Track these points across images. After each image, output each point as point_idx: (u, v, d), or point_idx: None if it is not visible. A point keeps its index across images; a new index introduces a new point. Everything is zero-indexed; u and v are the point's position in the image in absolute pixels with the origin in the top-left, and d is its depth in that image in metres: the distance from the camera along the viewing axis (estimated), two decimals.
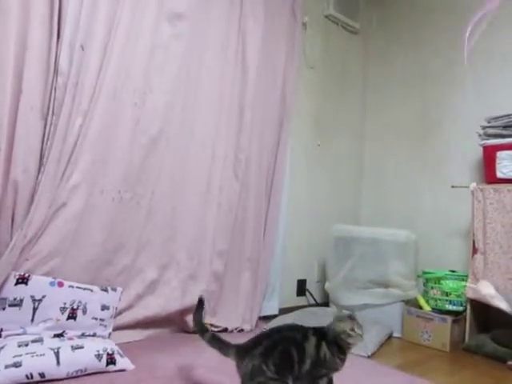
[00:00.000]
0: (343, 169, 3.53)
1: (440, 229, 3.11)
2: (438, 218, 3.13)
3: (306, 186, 3.25)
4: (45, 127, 1.95)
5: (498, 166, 2.56)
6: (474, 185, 2.62)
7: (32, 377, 1.59)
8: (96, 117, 2.06)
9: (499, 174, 2.55)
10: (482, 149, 2.67)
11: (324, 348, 1.46)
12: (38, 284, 1.87)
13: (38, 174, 1.93)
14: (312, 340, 1.46)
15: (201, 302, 1.63)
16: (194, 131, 2.47)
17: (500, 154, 2.56)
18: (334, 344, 1.48)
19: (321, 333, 1.50)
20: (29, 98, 1.90)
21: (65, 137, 1.97)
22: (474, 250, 2.55)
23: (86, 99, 2.04)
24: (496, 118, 2.62)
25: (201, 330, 1.56)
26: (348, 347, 1.48)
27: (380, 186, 3.55)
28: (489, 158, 2.61)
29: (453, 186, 2.82)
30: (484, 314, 2.59)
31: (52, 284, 1.90)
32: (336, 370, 1.48)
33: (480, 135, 2.68)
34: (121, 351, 1.86)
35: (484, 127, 2.66)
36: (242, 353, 1.45)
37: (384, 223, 3.33)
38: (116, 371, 1.77)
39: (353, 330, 1.45)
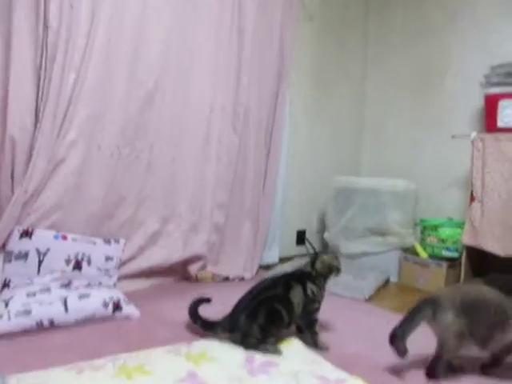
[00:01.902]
0: (344, 120, 3.49)
1: (440, 178, 3.12)
2: (438, 167, 3.14)
3: (306, 138, 3.24)
4: (38, 83, 1.93)
5: (499, 115, 2.53)
6: (474, 134, 2.60)
7: (42, 324, 1.67)
8: (90, 71, 2.04)
9: (500, 123, 2.53)
10: (484, 98, 2.63)
11: (310, 286, 1.64)
12: (42, 237, 1.92)
13: (35, 130, 1.93)
14: (297, 286, 1.62)
15: (202, 300, 1.70)
16: (190, 84, 2.43)
17: (502, 103, 2.52)
18: (323, 278, 1.69)
19: (302, 274, 1.68)
20: (20, 55, 1.87)
21: (59, 92, 1.96)
22: (472, 198, 2.57)
23: (78, 54, 2.00)
24: (500, 66, 2.56)
25: (194, 319, 1.67)
26: (330, 279, 1.72)
27: (381, 136, 3.53)
28: (490, 106, 2.57)
29: (453, 136, 2.80)
30: (479, 259, 2.65)
31: (56, 237, 1.95)
32: (322, 299, 1.69)
33: (482, 84, 2.63)
34: (126, 299, 1.93)
35: (487, 75, 2.61)
36: (228, 326, 1.59)
37: (384, 174, 3.34)
38: (122, 318, 1.85)
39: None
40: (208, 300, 1.69)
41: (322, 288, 1.68)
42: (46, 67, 1.92)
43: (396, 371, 1.49)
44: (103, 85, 2.09)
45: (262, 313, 1.54)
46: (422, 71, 3.25)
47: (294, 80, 2.95)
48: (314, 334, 1.66)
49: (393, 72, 3.44)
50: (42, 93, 1.92)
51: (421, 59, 3.26)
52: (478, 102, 2.80)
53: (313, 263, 1.69)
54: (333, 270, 1.70)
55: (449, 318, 1.42)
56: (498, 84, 2.55)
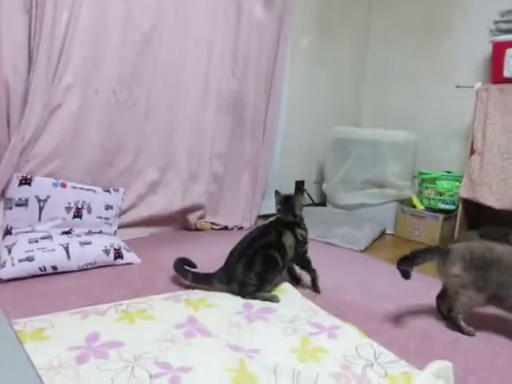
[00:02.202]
0: (345, 68, 3.40)
1: (441, 130, 3.09)
2: (440, 119, 3.09)
3: (306, 86, 3.16)
4: (30, 24, 1.84)
5: (506, 65, 2.46)
6: (479, 85, 2.54)
7: (45, 269, 1.70)
8: (83, 11, 1.95)
9: (506, 73, 2.46)
10: (491, 47, 2.55)
11: (299, 231, 1.73)
12: (42, 185, 1.92)
13: (29, 73, 1.87)
14: (287, 232, 1.69)
15: (187, 262, 1.71)
16: (188, 27, 2.34)
17: (509, 52, 2.44)
18: (303, 219, 1.77)
19: (288, 222, 1.74)
20: None
21: (52, 33, 1.87)
22: (472, 151, 2.56)
23: None
24: (510, 12, 2.46)
25: (182, 274, 1.68)
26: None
27: (382, 86, 3.45)
28: (497, 55, 2.50)
29: (457, 86, 2.74)
30: (475, 212, 2.68)
31: (55, 185, 1.95)
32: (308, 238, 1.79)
33: (491, 31, 2.54)
34: (127, 247, 1.97)
35: (497, 22, 2.51)
36: (224, 278, 1.61)
37: (385, 124, 3.30)
38: (123, 264, 1.89)
39: None
40: (193, 265, 1.70)
41: (306, 230, 1.78)
42: (37, 3, 1.82)
43: (390, 319, 1.54)
44: (98, 26, 2.01)
45: (258, 260, 1.58)
46: (429, 18, 3.12)
47: (295, 24, 2.83)
48: (312, 271, 1.74)
49: (398, 19, 3.31)
50: (35, 34, 1.84)
51: (427, 5, 3.12)
52: (485, 52, 2.72)
53: (293, 212, 1.74)
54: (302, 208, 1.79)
55: (456, 270, 1.45)
56: (507, 31, 2.47)
